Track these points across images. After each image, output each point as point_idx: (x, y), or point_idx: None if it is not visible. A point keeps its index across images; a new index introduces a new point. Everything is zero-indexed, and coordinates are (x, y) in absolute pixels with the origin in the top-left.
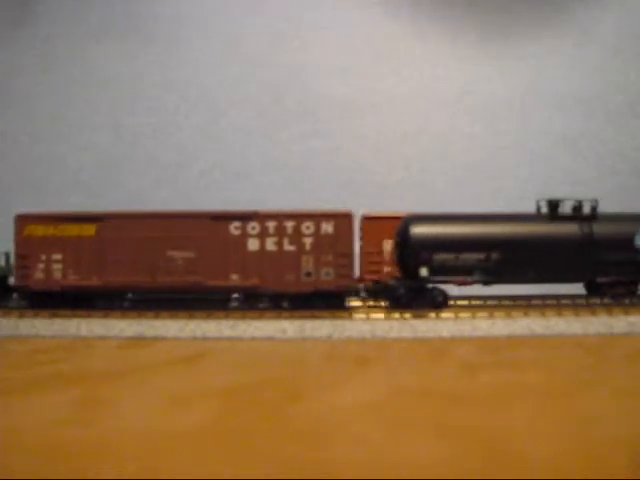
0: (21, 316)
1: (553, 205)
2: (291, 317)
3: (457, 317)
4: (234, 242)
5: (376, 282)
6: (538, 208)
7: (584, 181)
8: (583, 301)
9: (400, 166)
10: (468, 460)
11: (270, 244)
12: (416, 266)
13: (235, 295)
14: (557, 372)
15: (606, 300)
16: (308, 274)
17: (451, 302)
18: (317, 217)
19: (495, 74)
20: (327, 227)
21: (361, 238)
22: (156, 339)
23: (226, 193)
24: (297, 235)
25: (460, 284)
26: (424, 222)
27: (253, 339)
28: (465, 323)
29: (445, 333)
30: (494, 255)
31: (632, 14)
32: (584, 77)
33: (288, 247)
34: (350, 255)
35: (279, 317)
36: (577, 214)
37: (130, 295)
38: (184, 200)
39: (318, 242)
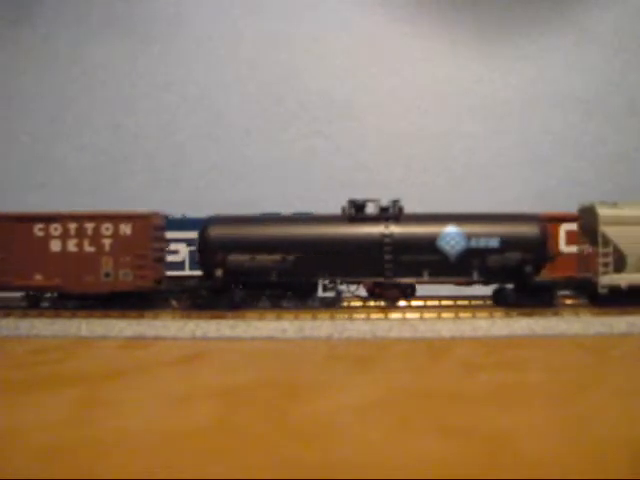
0: (21, 316)
1: (358, 206)
2: (291, 317)
3: (457, 317)
4: (38, 243)
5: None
6: (343, 209)
7: (584, 181)
8: (585, 301)
9: (400, 166)
10: (468, 460)
11: (71, 245)
12: (212, 267)
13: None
14: (557, 372)
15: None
16: (107, 275)
17: (451, 302)
18: (116, 219)
19: (495, 74)
20: (125, 229)
21: None
22: (156, 339)
23: (226, 193)
24: (97, 236)
25: (458, 284)
26: (221, 224)
27: (253, 339)
28: (465, 323)
29: (445, 333)
30: (290, 256)
31: (632, 14)
32: (584, 77)
33: (88, 248)
34: (148, 256)
35: (279, 317)
36: (380, 215)
37: None
38: (184, 200)
39: (117, 243)
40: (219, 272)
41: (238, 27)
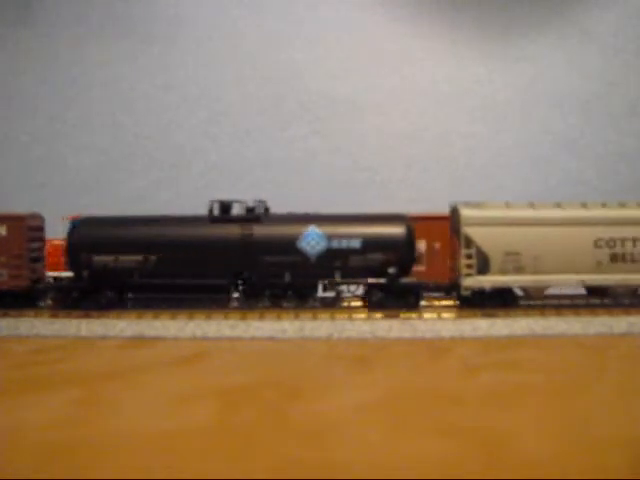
0: (21, 316)
1: (224, 206)
2: (291, 317)
3: (457, 317)
4: None
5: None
6: (211, 210)
7: (584, 181)
8: (583, 301)
9: (400, 166)
10: (468, 460)
11: None
12: (79, 268)
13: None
14: (557, 372)
15: (607, 300)
16: None
17: (450, 302)
18: None
19: (495, 74)
20: (1, 230)
21: None
22: (156, 339)
23: (226, 193)
24: None
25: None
26: (87, 225)
27: (253, 339)
28: (465, 323)
29: (445, 333)
30: (152, 257)
31: (632, 14)
32: (584, 77)
33: None
34: (23, 257)
35: (279, 317)
36: (243, 216)
37: None
38: (184, 200)
39: None
40: (85, 273)
41: (238, 27)
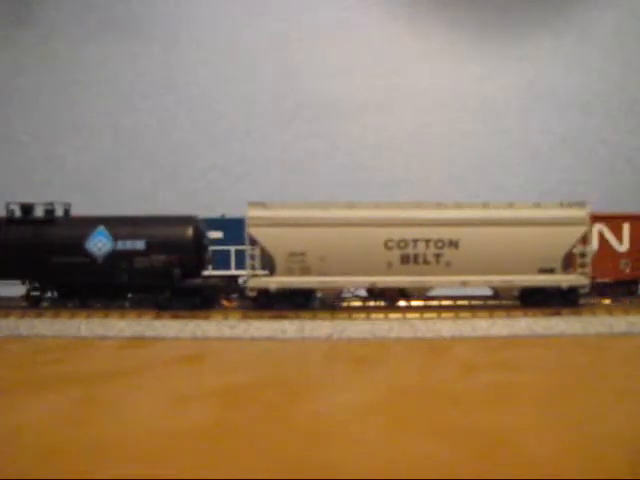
0: (21, 316)
1: (25, 209)
2: (291, 317)
3: (457, 317)
4: None
5: None
6: (11, 211)
7: (584, 181)
8: (583, 301)
9: (400, 165)
10: (468, 460)
11: None
12: None
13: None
14: (557, 372)
15: (606, 300)
16: None
17: (451, 302)
18: None
19: (495, 74)
20: None
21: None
22: (156, 339)
23: (226, 193)
24: None
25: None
26: None
27: (253, 339)
28: (465, 323)
29: (445, 333)
30: None
31: (632, 14)
32: (584, 77)
33: None
34: None
35: (279, 317)
36: (38, 218)
37: None
38: (184, 200)
39: None
40: None
41: (238, 27)
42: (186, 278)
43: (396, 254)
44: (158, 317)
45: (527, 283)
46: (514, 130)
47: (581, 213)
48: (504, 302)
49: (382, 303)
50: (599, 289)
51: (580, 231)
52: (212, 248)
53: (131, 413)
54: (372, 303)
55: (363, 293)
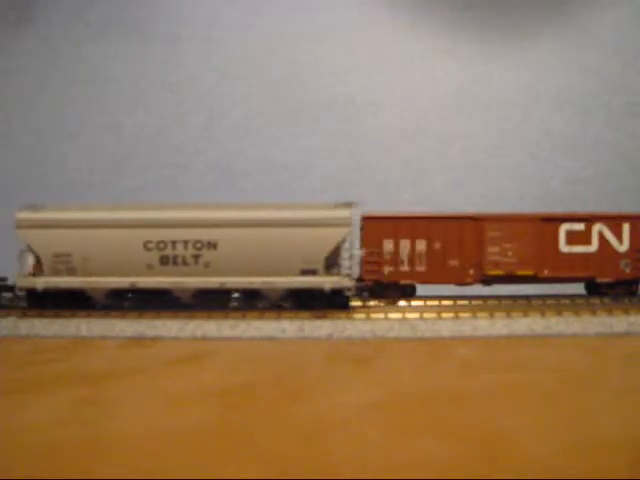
0: (21, 316)
1: None
2: (291, 317)
3: (457, 317)
4: None
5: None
6: None
7: (584, 181)
8: (583, 301)
9: (400, 166)
10: (468, 460)
11: None
12: None
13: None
14: (557, 372)
15: (606, 300)
16: None
17: (451, 302)
18: None
19: (495, 74)
20: None
21: (361, 238)
22: (156, 339)
23: (226, 193)
24: None
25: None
26: None
27: (253, 339)
28: (465, 323)
29: (445, 333)
30: None
31: (632, 14)
32: (584, 77)
33: None
34: None
35: (279, 317)
36: None
37: None
38: (184, 200)
39: None
40: None
41: (238, 27)
42: None
43: (156, 255)
44: (158, 317)
45: (289, 284)
46: (514, 130)
47: (345, 214)
48: (504, 302)
49: (382, 303)
50: (599, 289)
51: (344, 232)
52: None
53: (131, 413)
54: (372, 303)
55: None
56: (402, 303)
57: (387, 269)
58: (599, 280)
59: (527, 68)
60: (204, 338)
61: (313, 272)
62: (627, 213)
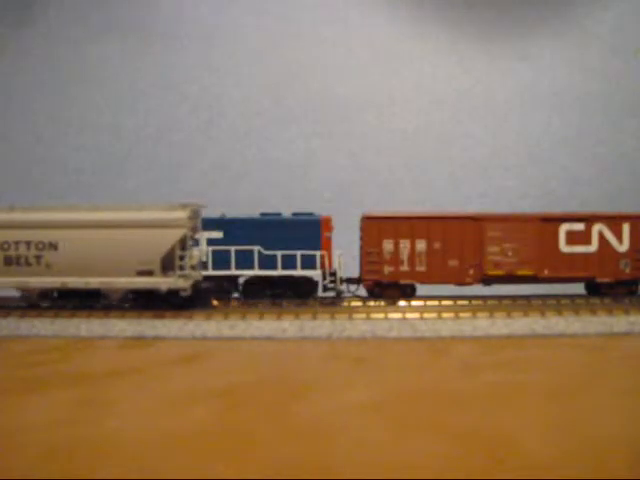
0: (21, 316)
1: None
2: (291, 317)
3: (457, 317)
4: None
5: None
6: None
7: (584, 181)
8: (583, 301)
9: (400, 166)
10: (468, 460)
11: None
12: None
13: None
14: (557, 372)
15: (606, 300)
16: None
17: (451, 302)
18: None
19: (495, 74)
20: None
21: (361, 238)
22: (156, 339)
23: (226, 193)
24: None
25: (458, 284)
26: None
27: (253, 339)
28: (465, 323)
29: (445, 333)
30: None
31: (632, 14)
32: (584, 77)
33: None
34: None
35: (279, 317)
36: None
37: None
38: (184, 200)
39: None
40: None
41: (238, 27)
42: None
43: (0, 256)
44: (158, 317)
45: (127, 285)
46: (514, 130)
47: (180, 215)
48: (504, 302)
49: (382, 303)
50: (599, 289)
51: (179, 233)
52: (212, 248)
53: (131, 413)
54: (372, 303)
55: (363, 293)
56: (402, 303)
57: (387, 269)
58: (599, 280)
59: (527, 68)
60: (204, 338)
61: (150, 273)
62: (627, 213)
